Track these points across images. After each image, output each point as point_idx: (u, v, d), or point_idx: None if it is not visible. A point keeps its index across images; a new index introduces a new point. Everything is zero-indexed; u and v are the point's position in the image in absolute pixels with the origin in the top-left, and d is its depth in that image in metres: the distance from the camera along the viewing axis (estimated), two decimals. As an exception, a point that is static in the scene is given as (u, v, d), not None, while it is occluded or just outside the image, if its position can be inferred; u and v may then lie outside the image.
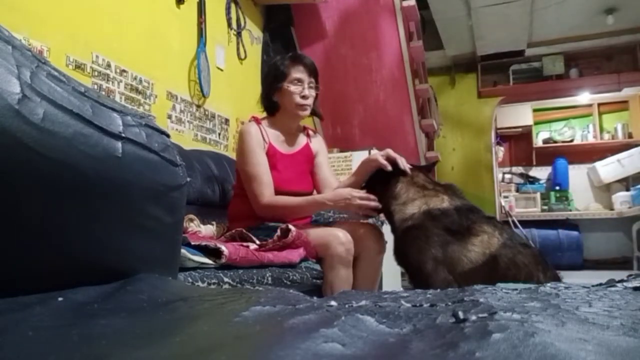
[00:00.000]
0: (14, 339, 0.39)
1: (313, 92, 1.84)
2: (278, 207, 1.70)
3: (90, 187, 0.58)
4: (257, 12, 3.48)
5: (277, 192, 1.73)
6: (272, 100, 1.83)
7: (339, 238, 1.58)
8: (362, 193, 1.62)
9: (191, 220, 1.70)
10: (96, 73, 2.00)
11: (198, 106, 2.71)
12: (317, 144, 1.97)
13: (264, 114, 1.90)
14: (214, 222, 1.89)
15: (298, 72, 1.81)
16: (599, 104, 5.95)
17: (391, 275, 2.69)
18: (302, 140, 1.93)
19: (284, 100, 1.82)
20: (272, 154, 1.80)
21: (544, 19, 4.70)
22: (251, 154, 1.75)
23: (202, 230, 1.70)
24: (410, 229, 1.42)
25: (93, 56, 1.99)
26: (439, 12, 4.61)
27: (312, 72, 1.84)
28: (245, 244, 1.47)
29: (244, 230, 1.59)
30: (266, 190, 1.71)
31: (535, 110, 6.10)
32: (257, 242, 1.52)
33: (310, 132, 2.00)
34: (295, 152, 1.89)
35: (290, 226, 1.52)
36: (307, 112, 1.84)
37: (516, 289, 0.52)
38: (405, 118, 3.68)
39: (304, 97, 1.79)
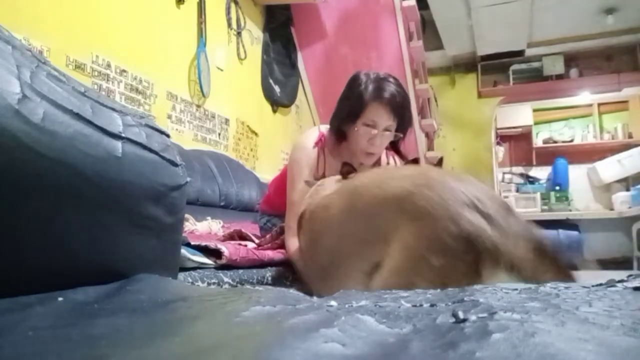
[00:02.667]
0: (14, 339, 0.39)
1: (386, 140, 1.51)
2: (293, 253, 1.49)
3: (90, 187, 0.58)
4: (257, 12, 3.48)
5: None
6: (342, 129, 1.54)
7: None
8: None
9: (186, 219, 1.70)
10: (96, 73, 2.00)
11: (198, 106, 2.71)
12: None
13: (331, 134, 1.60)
14: (209, 217, 1.89)
15: (375, 113, 1.47)
16: (599, 104, 5.95)
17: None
18: None
19: (351, 138, 1.52)
20: None
21: (544, 19, 4.70)
22: (297, 179, 1.53)
23: (198, 227, 1.70)
24: None
25: (93, 56, 1.99)
26: (439, 12, 4.61)
27: (396, 111, 1.48)
28: (244, 242, 1.47)
29: (243, 230, 1.59)
30: (294, 225, 1.44)
31: (535, 110, 6.10)
32: (256, 240, 1.52)
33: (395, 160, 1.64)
34: None
35: None
36: (373, 161, 1.55)
37: (516, 289, 0.52)
38: (405, 118, 3.67)
39: (373, 144, 1.48)
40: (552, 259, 0.73)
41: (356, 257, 0.88)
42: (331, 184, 1.23)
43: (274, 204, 1.75)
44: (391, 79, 1.51)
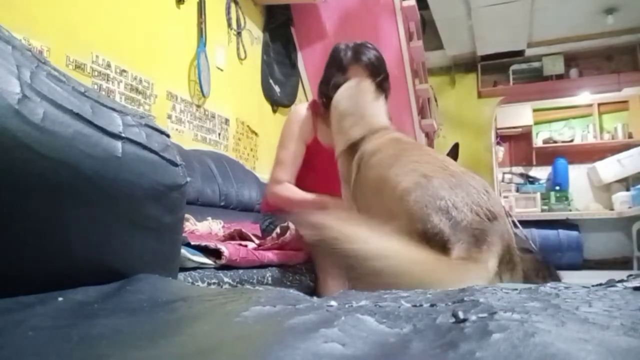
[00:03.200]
0: (14, 339, 0.39)
1: None
2: (282, 198, 1.66)
3: (90, 187, 0.58)
4: (257, 12, 3.48)
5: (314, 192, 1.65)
6: (328, 94, 1.62)
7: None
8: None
9: (186, 219, 1.70)
10: (96, 73, 2.00)
11: (198, 106, 2.71)
12: None
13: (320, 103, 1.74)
14: (209, 218, 1.89)
15: (356, 73, 1.60)
16: (599, 104, 5.95)
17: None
18: None
19: None
20: (314, 150, 1.70)
21: (544, 19, 4.70)
22: (288, 138, 1.69)
23: (199, 227, 1.70)
24: None
25: (93, 56, 1.99)
26: (439, 12, 4.61)
27: (375, 71, 1.62)
28: (244, 242, 1.47)
29: (244, 230, 1.59)
30: (283, 177, 1.66)
31: (535, 110, 6.10)
32: (257, 241, 1.52)
33: None
34: None
35: (290, 225, 1.52)
36: None
37: (516, 289, 0.52)
38: (405, 118, 3.68)
39: None
40: (514, 264, 0.92)
41: (387, 218, 1.03)
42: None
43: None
44: (368, 45, 1.67)
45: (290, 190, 1.66)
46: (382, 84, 1.60)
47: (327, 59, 1.71)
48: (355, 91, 1.42)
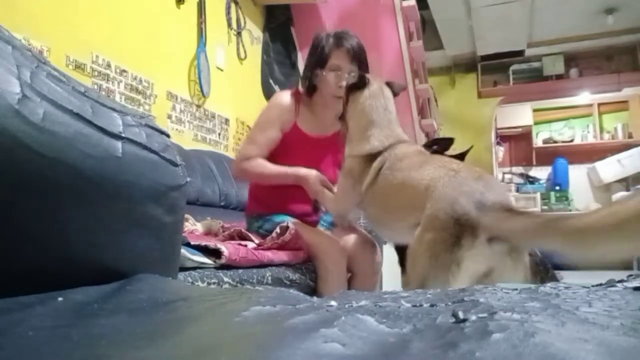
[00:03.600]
0: (14, 339, 0.39)
1: (351, 82, 1.61)
2: (251, 172, 1.67)
3: (90, 187, 0.58)
4: (257, 12, 3.48)
5: None
6: (312, 80, 1.71)
7: (329, 248, 1.57)
8: (327, 182, 1.59)
9: (186, 219, 1.70)
10: (96, 73, 2.00)
11: (198, 106, 2.71)
12: None
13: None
14: (208, 217, 1.88)
15: (338, 58, 1.67)
16: (599, 104, 5.96)
17: (391, 275, 2.69)
18: (337, 128, 1.77)
19: (321, 86, 1.70)
20: (294, 136, 1.71)
21: (544, 19, 4.70)
22: (265, 122, 1.71)
23: (198, 227, 1.70)
24: None
25: (93, 56, 1.99)
26: (439, 12, 4.61)
27: (356, 57, 1.69)
28: (243, 242, 1.47)
29: (243, 230, 1.59)
30: (254, 153, 1.67)
31: (535, 110, 6.10)
32: (256, 241, 1.52)
33: None
34: (324, 138, 1.78)
35: (290, 224, 1.52)
36: (341, 106, 1.67)
37: (516, 289, 0.52)
38: (405, 118, 3.68)
39: (341, 87, 1.63)
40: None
41: (406, 210, 1.18)
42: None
43: (262, 199, 1.76)
44: (349, 33, 1.73)
45: (262, 165, 1.66)
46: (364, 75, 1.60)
47: (309, 48, 1.76)
48: (382, 100, 1.46)
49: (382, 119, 1.43)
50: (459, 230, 0.94)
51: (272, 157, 1.70)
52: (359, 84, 1.48)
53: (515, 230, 0.91)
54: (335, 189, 1.57)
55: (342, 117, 1.56)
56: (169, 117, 2.46)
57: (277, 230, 1.52)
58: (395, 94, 1.56)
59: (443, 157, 1.28)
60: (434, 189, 1.03)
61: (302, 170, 1.61)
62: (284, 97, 1.74)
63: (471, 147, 1.68)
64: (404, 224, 1.19)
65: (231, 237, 1.58)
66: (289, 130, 1.71)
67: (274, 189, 1.73)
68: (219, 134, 2.92)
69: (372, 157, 1.37)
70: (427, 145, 1.64)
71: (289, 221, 1.55)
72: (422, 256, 0.99)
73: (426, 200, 1.04)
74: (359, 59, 1.69)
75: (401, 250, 1.59)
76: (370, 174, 1.34)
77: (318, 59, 1.68)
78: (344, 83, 1.63)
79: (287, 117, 1.71)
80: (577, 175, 5.92)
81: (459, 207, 0.95)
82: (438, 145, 1.62)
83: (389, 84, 1.55)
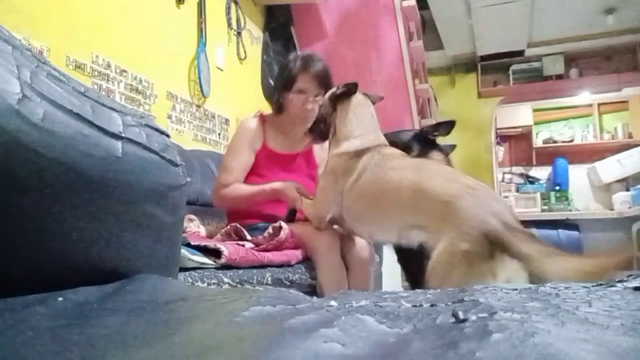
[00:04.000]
0: (14, 339, 0.39)
1: (316, 105, 1.73)
2: (228, 198, 1.72)
3: (90, 187, 0.58)
4: (257, 12, 3.48)
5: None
6: (279, 101, 1.80)
7: (318, 235, 1.58)
8: (304, 189, 1.67)
9: (191, 220, 1.70)
10: (96, 73, 2.00)
11: (198, 106, 2.71)
12: (323, 153, 1.89)
13: (272, 110, 1.88)
14: (213, 224, 1.89)
15: (304, 82, 1.75)
16: (599, 104, 5.95)
17: (391, 275, 2.69)
18: (306, 143, 1.85)
19: (288, 105, 1.78)
20: (265, 156, 1.79)
21: (544, 19, 4.70)
22: (236, 148, 1.78)
23: (202, 231, 1.70)
24: None
25: (93, 56, 1.99)
26: (439, 12, 4.61)
27: (322, 81, 1.77)
28: (241, 242, 1.47)
29: (239, 226, 1.58)
30: (230, 180, 1.73)
31: (535, 110, 6.10)
32: (249, 237, 1.52)
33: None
34: (295, 154, 1.87)
35: (283, 224, 1.51)
36: (307, 126, 1.74)
37: (516, 289, 0.52)
38: (405, 118, 3.68)
39: (306, 109, 1.75)
40: (551, 250, 1.06)
41: (403, 210, 1.30)
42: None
43: (239, 213, 1.77)
44: (315, 56, 1.81)
45: (238, 189, 1.72)
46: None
47: (278, 70, 1.88)
48: (368, 108, 1.60)
49: (370, 124, 1.56)
50: (491, 246, 1.08)
51: (247, 179, 1.78)
52: (348, 92, 1.57)
53: (532, 253, 1.06)
54: (311, 196, 1.64)
55: (312, 129, 1.66)
56: (169, 117, 2.46)
57: (270, 230, 1.51)
58: (373, 104, 1.65)
59: (437, 164, 1.41)
60: (460, 208, 1.15)
61: (277, 184, 1.68)
62: (250, 122, 1.82)
63: (454, 146, 1.75)
64: (395, 222, 1.33)
65: (228, 235, 1.58)
66: (259, 151, 1.79)
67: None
68: (219, 134, 2.92)
69: (358, 153, 1.47)
70: (428, 132, 1.68)
71: (280, 222, 1.55)
72: (460, 265, 1.11)
73: (446, 214, 1.17)
74: (325, 83, 1.77)
75: (402, 252, 1.60)
76: (357, 170, 1.44)
77: (285, 82, 1.77)
78: (309, 106, 1.75)
79: (256, 139, 1.79)
80: (577, 175, 5.91)
81: (491, 226, 1.10)
82: (441, 129, 1.66)
83: (366, 95, 1.64)
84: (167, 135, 0.75)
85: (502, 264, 1.08)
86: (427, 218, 1.24)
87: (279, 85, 1.81)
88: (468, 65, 5.80)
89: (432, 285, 1.15)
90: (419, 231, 1.28)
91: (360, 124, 1.54)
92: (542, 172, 6.16)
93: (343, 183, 1.47)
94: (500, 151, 6.16)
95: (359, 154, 1.47)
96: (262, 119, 1.84)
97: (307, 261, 1.62)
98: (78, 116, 0.57)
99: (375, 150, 1.46)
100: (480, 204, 1.15)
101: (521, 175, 6.23)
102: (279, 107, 1.81)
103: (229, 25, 3.06)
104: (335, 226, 1.65)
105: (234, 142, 1.80)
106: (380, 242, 1.54)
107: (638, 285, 0.49)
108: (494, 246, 1.08)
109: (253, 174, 1.78)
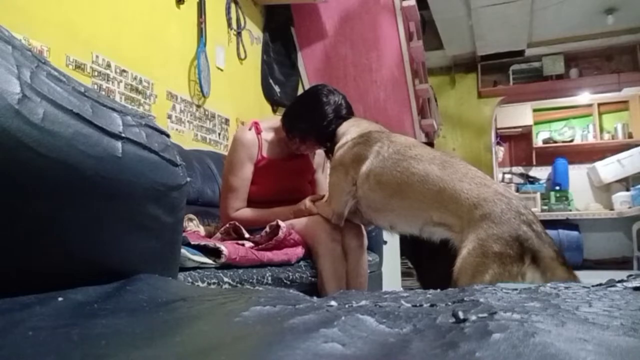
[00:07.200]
0: (14, 339, 0.39)
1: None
2: (243, 220, 1.69)
3: (90, 187, 0.58)
4: (257, 12, 3.48)
5: (271, 201, 1.75)
6: (294, 128, 1.74)
7: (324, 228, 1.59)
8: (316, 196, 1.72)
9: (190, 219, 1.70)
10: (96, 73, 2.00)
11: (198, 106, 2.71)
12: (319, 158, 1.95)
13: (266, 118, 1.89)
14: (213, 224, 1.89)
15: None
16: (599, 104, 5.95)
17: (391, 275, 2.70)
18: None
19: (303, 138, 1.75)
20: (264, 164, 1.79)
21: (544, 19, 4.70)
22: (238, 165, 1.75)
23: (201, 230, 1.70)
24: None
25: (93, 56, 1.99)
26: (439, 12, 4.61)
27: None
28: (240, 241, 1.46)
29: (237, 223, 1.58)
30: (239, 204, 1.75)
31: (535, 110, 6.10)
32: (247, 235, 1.51)
33: None
34: (294, 158, 1.86)
35: (280, 222, 1.51)
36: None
37: (516, 289, 0.52)
38: (405, 118, 3.68)
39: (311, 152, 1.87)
40: (563, 260, 1.17)
41: (429, 206, 1.33)
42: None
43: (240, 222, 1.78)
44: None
45: (250, 213, 1.74)
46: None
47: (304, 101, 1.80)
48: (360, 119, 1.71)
49: (374, 125, 1.64)
50: (522, 250, 1.16)
51: (250, 187, 1.79)
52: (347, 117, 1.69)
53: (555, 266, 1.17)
54: (324, 199, 1.66)
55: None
56: (169, 117, 2.46)
57: (267, 229, 1.51)
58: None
59: (463, 163, 1.45)
60: (493, 212, 1.22)
61: (294, 207, 1.72)
62: (245, 134, 1.78)
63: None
64: (420, 216, 1.37)
65: (227, 233, 1.58)
66: (258, 161, 1.79)
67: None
68: (219, 134, 2.92)
69: (363, 137, 1.51)
70: None
71: (277, 221, 1.55)
72: (493, 265, 1.17)
73: (475, 216, 1.23)
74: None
75: (414, 254, 1.62)
76: (370, 158, 1.46)
77: (319, 133, 1.69)
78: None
79: (253, 151, 1.77)
80: (577, 175, 5.92)
81: (523, 232, 1.18)
82: None
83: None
84: (167, 135, 0.75)
85: (530, 267, 1.16)
86: (453, 218, 1.28)
87: (308, 125, 1.71)
88: (468, 65, 5.80)
89: (461, 284, 1.18)
90: (443, 229, 1.32)
91: (355, 122, 1.64)
92: (542, 172, 6.16)
93: (355, 173, 1.48)
94: (500, 151, 6.17)
95: (364, 137, 1.50)
96: (257, 129, 1.81)
97: (307, 259, 1.62)
98: (78, 116, 0.57)
99: (385, 137, 1.49)
100: (512, 211, 1.21)
101: (521, 175, 6.24)
102: (293, 134, 1.75)
103: (229, 25, 3.06)
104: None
105: (234, 159, 1.76)
106: (401, 233, 1.52)
107: (638, 285, 0.49)
108: (524, 251, 1.16)
109: (256, 182, 1.78)
